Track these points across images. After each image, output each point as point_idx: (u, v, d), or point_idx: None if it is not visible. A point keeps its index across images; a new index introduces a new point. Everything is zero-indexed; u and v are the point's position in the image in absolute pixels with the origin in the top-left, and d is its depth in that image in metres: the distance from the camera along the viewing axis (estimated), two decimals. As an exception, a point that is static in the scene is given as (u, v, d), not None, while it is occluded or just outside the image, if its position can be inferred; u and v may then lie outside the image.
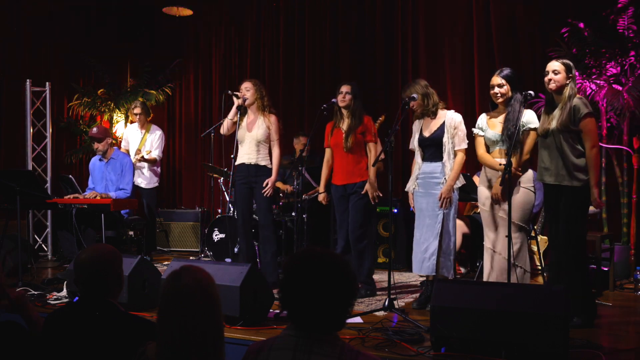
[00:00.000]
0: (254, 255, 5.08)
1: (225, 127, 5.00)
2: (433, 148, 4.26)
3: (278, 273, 4.78)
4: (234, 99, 4.96)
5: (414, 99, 4.25)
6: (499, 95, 3.97)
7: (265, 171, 4.90)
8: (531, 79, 6.03)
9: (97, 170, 5.82)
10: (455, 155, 4.21)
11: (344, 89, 4.69)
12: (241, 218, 4.97)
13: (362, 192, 4.64)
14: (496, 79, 3.97)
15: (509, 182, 3.67)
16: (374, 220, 5.49)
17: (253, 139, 4.89)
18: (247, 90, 4.93)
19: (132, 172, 5.75)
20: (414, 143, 4.39)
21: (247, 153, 4.92)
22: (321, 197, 4.95)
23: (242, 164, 4.94)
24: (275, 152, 4.93)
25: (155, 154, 6.52)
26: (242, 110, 4.96)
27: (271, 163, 4.94)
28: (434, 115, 4.29)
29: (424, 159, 4.34)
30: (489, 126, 4.04)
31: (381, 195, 4.70)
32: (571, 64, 3.78)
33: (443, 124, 4.23)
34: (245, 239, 4.97)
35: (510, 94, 3.95)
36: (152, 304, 3.98)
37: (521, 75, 4.09)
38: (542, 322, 2.85)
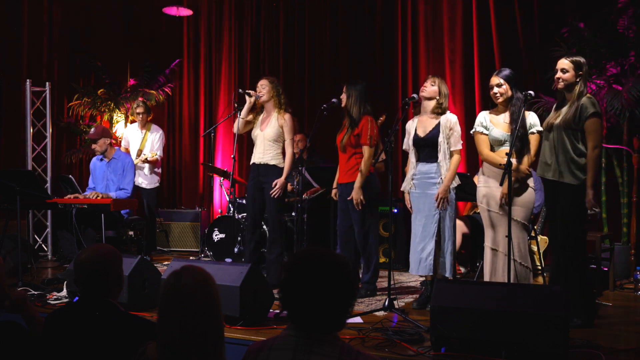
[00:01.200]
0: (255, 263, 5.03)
1: (236, 126, 4.92)
2: (428, 148, 4.24)
3: (280, 275, 4.71)
4: (246, 97, 4.88)
5: (413, 99, 4.25)
6: (498, 95, 3.98)
7: (275, 171, 4.78)
8: (531, 79, 6.03)
9: (97, 170, 5.81)
10: (451, 155, 4.20)
11: (343, 89, 4.66)
12: (251, 220, 4.87)
13: (348, 198, 4.50)
14: (495, 79, 3.98)
15: (509, 182, 3.66)
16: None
17: (264, 137, 4.81)
18: (262, 87, 4.83)
19: (133, 172, 5.75)
20: (409, 143, 4.37)
21: (258, 152, 4.85)
22: (332, 193, 4.92)
23: (254, 164, 4.87)
24: (288, 151, 4.79)
25: (158, 154, 6.53)
26: (259, 109, 4.88)
27: (283, 163, 4.80)
28: (434, 115, 4.27)
29: (419, 159, 4.31)
30: (494, 125, 4.03)
31: (364, 202, 4.47)
32: (582, 61, 3.72)
33: (438, 124, 4.22)
34: (252, 243, 4.87)
35: (509, 93, 3.95)
36: (152, 304, 3.98)
37: (519, 76, 4.07)
38: (542, 322, 2.86)
